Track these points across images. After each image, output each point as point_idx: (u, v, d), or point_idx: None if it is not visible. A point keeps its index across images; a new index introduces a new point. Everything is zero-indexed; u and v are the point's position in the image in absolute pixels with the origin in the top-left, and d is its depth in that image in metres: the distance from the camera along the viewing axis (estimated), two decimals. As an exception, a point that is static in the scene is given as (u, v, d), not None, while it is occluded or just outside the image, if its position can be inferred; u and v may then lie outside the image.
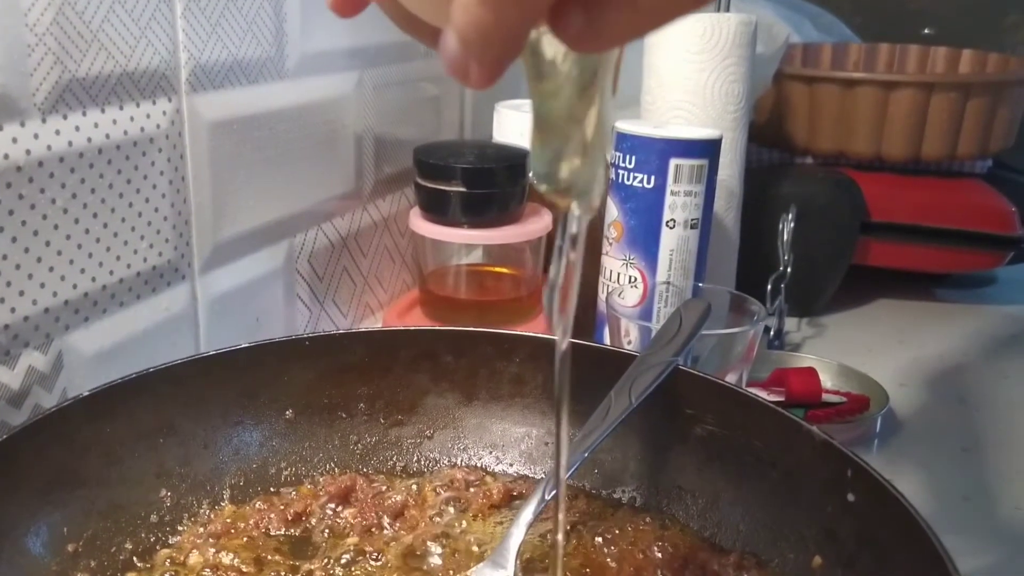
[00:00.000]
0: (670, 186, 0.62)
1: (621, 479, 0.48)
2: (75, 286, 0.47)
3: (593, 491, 0.48)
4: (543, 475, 0.49)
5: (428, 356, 0.51)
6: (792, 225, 0.78)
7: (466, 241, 0.71)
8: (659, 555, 0.43)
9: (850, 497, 0.39)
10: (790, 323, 0.83)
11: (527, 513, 0.42)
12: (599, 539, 0.44)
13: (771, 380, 0.70)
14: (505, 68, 0.19)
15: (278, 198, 0.62)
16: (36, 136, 0.44)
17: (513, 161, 0.68)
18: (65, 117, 0.45)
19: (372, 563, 0.42)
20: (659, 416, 0.46)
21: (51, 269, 0.46)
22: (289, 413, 0.49)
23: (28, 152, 0.43)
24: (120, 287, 0.50)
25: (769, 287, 0.78)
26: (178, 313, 0.55)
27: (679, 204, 0.63)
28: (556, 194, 0.24)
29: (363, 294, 0.75)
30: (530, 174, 0.24)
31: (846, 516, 0.39)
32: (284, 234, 0.64)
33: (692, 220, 0.63)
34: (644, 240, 0.64)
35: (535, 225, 0.71)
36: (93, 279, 0.48)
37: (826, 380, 0.71)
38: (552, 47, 0.21)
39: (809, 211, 0.80)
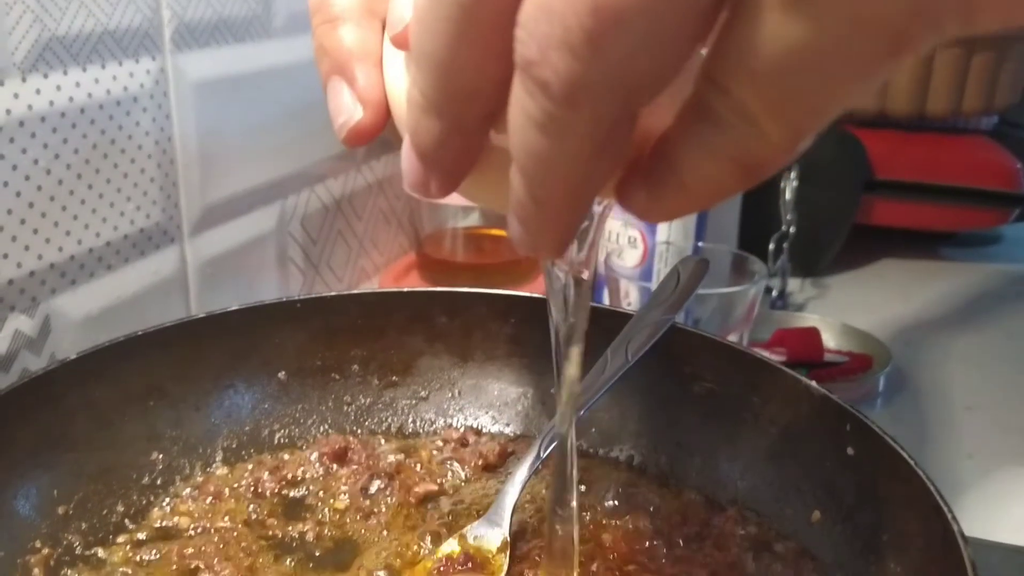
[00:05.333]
0: (668, 143, 0.61)
1: (619, 437, 0.47)
2: (60, 249, 0.46)
3: (591, 450, 0.47)
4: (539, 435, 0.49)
5: (422, 317, 0.50)
6: (795, 184, 0.77)
7: (463, 203, 0.70)
8: (657, 512, 0.42)
9: (849, 451, 0.38)
10: (793, 283, 0.82)
11: (522, 471, 0.42)
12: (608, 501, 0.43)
13: (773, 340, 0.69)
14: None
15: (268, 159, 0.61)
16: (16, 96, 0.43)
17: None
18: (46, 76, 0.44)
19: (366, 524, 0.42)
20: (657, 374, 0.45)
21: (35, 231, 0.45)
22: (281, 375, 0.48)
23: (8, 112, 0.43)
24: (107, 250, 0.49)
25: (771, 246, 0.77)
26: (168, 277, 0.54)
27: (678, 161, 0.62)
28: None
29: (359, 258, 0.74)
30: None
31: (845, 470, 0.38)
32: (275, 196, 0.63)
33: (691, 178, 0.62)
34: (642, 199, 0.63)
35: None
36: (79, 242, 0.47)
37: (829, 340, 0.70)
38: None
39: (812, 169, 0.79)
